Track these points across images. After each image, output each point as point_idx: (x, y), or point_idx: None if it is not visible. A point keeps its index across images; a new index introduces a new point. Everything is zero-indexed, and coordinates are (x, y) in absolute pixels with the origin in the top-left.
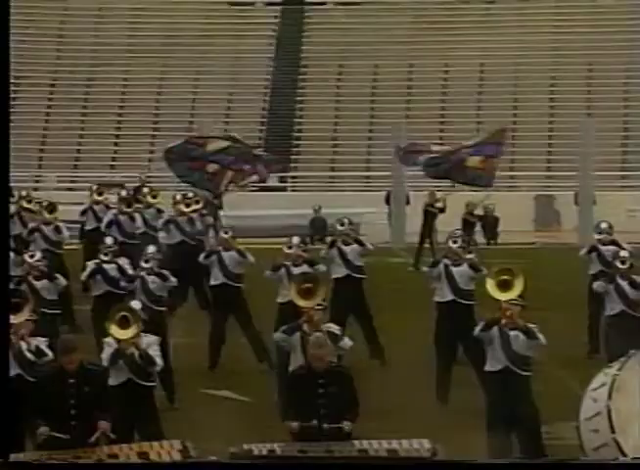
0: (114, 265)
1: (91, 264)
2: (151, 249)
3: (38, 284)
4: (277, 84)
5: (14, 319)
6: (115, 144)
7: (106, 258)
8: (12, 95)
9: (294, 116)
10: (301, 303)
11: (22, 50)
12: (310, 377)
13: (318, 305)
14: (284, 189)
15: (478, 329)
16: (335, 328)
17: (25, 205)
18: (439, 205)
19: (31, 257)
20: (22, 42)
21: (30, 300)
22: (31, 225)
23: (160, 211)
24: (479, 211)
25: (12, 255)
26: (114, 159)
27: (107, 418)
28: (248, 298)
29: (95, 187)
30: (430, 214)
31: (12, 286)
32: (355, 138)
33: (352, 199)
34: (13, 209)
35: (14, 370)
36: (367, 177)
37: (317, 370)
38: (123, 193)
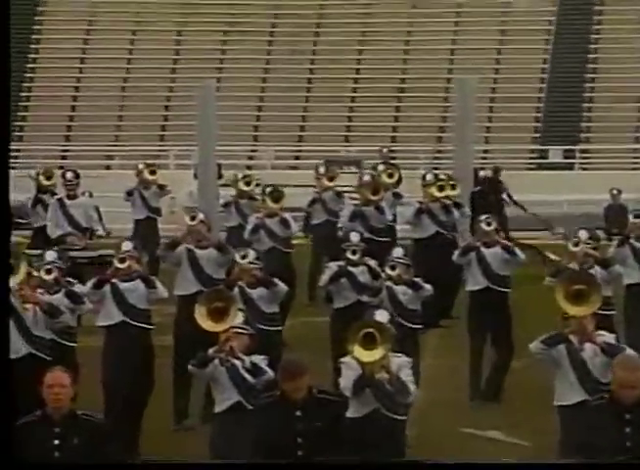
0: (363, 268)
1: (333, 266)
2: (397, 252)
3: (253, 293)
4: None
5: (214, 327)
6: (349, 119)
7: (354, 258)
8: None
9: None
10: (573, 310)
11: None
12: (619, 407)
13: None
14: (570, 167)
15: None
16: (610, 338)
17: (244, 187)
18: None
19: (243, 257)
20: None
21: (234, 305)
22: (255, 220)
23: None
24: None
25: (215, 253)
26: (348, 128)
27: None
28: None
29: (323, 168)
30: None
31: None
32: None
33: None
34: (222, 193)
35: (229, 395)
36: None
37: (626, 402)
38: (366, 178)
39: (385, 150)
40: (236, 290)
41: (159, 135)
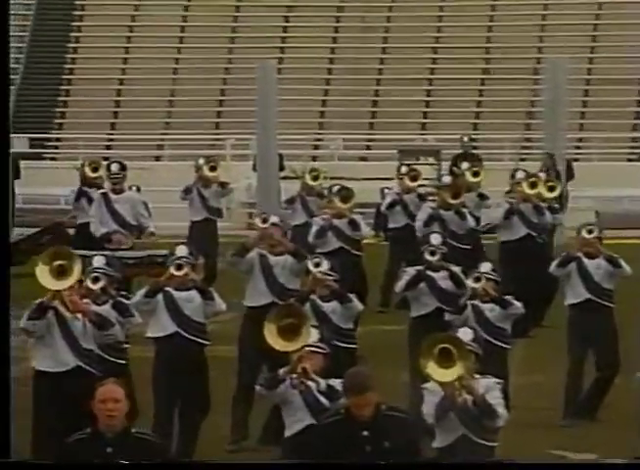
0: (444, 273)
1: (410, 271)
2: (486, 266)
3: (327, 306)
4: None
5: (285, 347)
6: (427, 103)
7: (433, 259)
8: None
9: None
10: None
11: None
12: None
13: None
14: None
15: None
16: None
17: (311, 182)
18: None
19: (316, 266)
20: None
21: (308, 322)
22: (321, 221)
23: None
24: None
25: (290, 260)
26: (425, 114)
27: None
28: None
29: (405, 168)
30: None
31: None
32: None
33: None
34: (283, 186)
35: (301, 417)
36: None
37: None
38: (446, 178)
39: (466, 138)
40: (307, 304)
41: (213, 122)
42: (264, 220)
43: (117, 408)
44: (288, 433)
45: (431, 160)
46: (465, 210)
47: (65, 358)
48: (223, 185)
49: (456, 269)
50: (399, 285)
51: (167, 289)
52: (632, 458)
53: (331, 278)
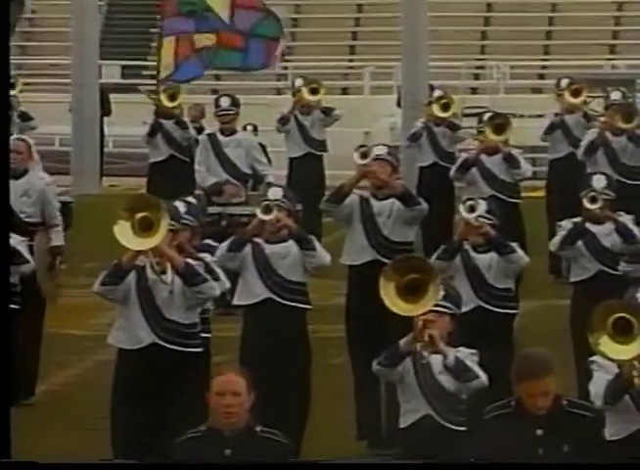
0: (609, 225)
1: (566, 224)
2: None
3: (481, 259)
4: None
5: (409, 310)
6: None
7: (593, 207)
8: None
9: None
10: None
11: None
12: None
13: None
14: None
15: None
16: None
17: (439, 112)
18: None
19: (471, 210)
20: None
21: (435, 278)
22: (466, 156)
23: None
24: None
25: (398, 205)
26: (615, 34)
27: None
28: None
29: (565, 81)
30: None
31: None
32: None
33: None
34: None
35: (416, 405)
36: None
37: None
38: (615, 94)
39: None
40: (458, 258)
41: (348, 46)
42: (364, 155)
43: (238, 403)
44: (402, 423)
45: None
46: None
47: (139, 333)
48: (327, 111)
49: (625, 219)
50: (553, 242)
51: (257, 241)
52: (632, 458)
53: (489, 222)
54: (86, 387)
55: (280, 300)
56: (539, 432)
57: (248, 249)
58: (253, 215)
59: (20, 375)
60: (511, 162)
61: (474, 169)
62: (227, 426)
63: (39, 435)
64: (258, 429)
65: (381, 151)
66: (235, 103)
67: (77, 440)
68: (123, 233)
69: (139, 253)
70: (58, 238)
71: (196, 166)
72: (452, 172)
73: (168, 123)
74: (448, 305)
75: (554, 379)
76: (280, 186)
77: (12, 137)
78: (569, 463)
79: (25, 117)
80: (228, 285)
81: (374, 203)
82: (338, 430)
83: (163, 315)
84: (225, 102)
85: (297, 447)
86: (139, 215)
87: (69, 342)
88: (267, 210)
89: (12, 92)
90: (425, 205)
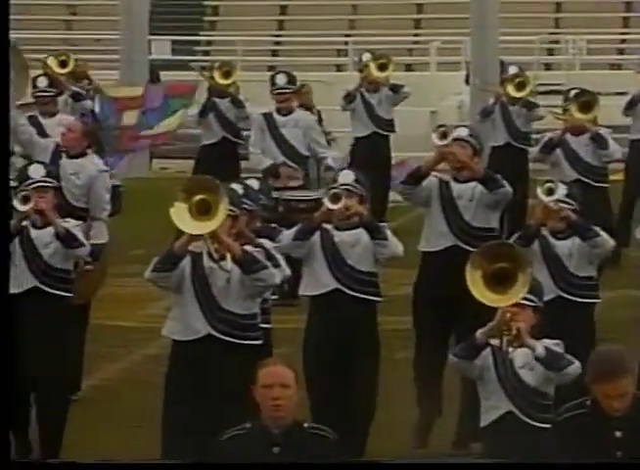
0: None
1: None
2: None
3: (561, 246)
4: None
5: (497, 301)
6: None
7: None
8: None
9: None
10: None
11: None
12: None
13: None
14: None
15: None
16: None
17: (514, 92)
18: None
19: (549, 193)
20: None
21: (527, 267)
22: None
23: None
24: None
25: (480, 189)
26: None
27: None
28: None
29: None
30: None
31: None
32: None
33: None
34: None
35: (497, 402)
36: None
37: None
38: None
39: None
40: (535, 244)
41: (412, 19)
42: (443, 135)
43: (286, 396)
44: (483, 421)
45: None
46: None
47: (194, 324)
48: (395, 88)
49: None
50: None
51: (326, 227)
52: (632, 458)
53: (569, 207)
54: (134, 382)
55: (349, 291)
56: (618, 434)
57: (316, 236)
58: (312, 201)
59: (65, 369)
60: (599, 142)
61: (558, 150)
62: (274, 421)
63: (86, 432)
64: (306, 425)
65: (462, 132)
66: (292, 80)
67: (124, 437)
68: (180, 216)
69: (193, 237)
70: (99, 234)
71: (250, 148)
72: (535, 153)
73: (222, 102)
74: (531, 297)
75: (632, 379)
76: (351, 169)
77: (64, 117)
78: (569, 463)
79: (78, 96)
80: (288, 272)
81: (454, 186)
82: (401, 428)
83: (220, 305)
84: (281, 79)
85: (363, 447)
86: (197, 197)
87: (117, 334)
88: (335, 197)
89: (65, 70)
90: (509, 188)
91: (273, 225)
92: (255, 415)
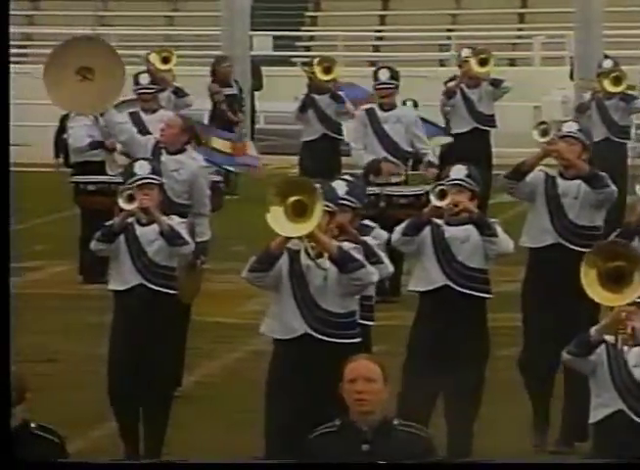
0: None
1: None
2: None
3: None
4: None
5: (611, 301)
6: None
7: None
8: None
9: None
10: None
11: None
12: None
13: None
14: None
15: None
16: None
17: (610, 86)
18: None
19: None
20: None
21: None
22: None
23: None
24: None
25: (584, 187)
26: None
27: None
28: None
29: None
30: None
31: None
32: None
33: None
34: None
35: (608, 400)
36: None
37: None
38: None
39: None
40: (636, 240)
41: (516, 13)
42: (545, 132)
43: (371, 390)
44: (592, 418)
45: None
46: None
47: (292, 323)
48: (496, 83)
49: None
50: None
51: (437, 222)
52: (632, 458)
53: None
54: (235, 379)
55: (458, 288)
56: None
57: (426, 231)
58: (413, 196)
59: (169, 366)
60: None
61: None
62: (361, 416)
63: (186, 429)
64: (396, 422)
65: (571, 128)
66: (394, 76)
67: (224, 434)
68: (276, 220)
69: (289, 237)
70: (203, 231)
71: (352, 144)
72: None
73: (322, 99)
74: None
75: None
76: (464, 164)
77: (165, 113)
78: (570, 463)
79: (180, 93)
80: (391, 269)
81: (560, 182)
82: (503, 426)
83: (317, 304)
84: (384, 75)
85: (469, 447)
86: (292, 199)
87: (217, 330)
88: (442, 194)
89: (167, 66)
90: (614, 187)
91: (372, 224)
92: (346, 413)
